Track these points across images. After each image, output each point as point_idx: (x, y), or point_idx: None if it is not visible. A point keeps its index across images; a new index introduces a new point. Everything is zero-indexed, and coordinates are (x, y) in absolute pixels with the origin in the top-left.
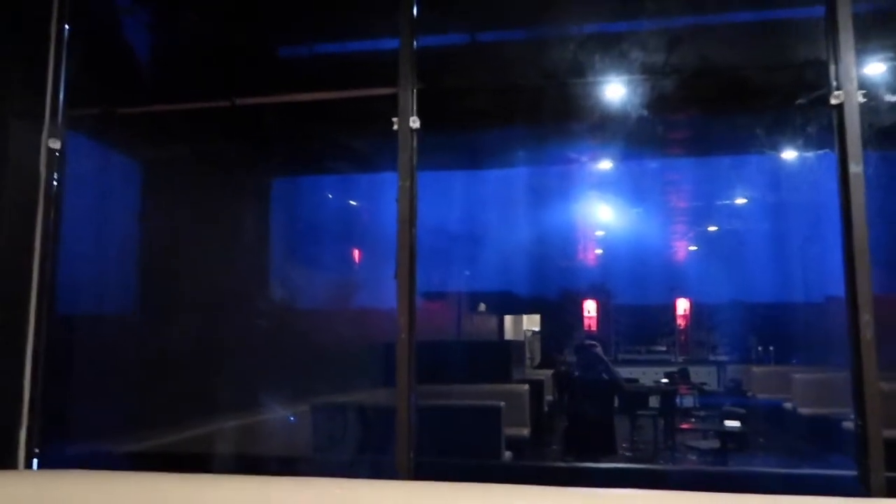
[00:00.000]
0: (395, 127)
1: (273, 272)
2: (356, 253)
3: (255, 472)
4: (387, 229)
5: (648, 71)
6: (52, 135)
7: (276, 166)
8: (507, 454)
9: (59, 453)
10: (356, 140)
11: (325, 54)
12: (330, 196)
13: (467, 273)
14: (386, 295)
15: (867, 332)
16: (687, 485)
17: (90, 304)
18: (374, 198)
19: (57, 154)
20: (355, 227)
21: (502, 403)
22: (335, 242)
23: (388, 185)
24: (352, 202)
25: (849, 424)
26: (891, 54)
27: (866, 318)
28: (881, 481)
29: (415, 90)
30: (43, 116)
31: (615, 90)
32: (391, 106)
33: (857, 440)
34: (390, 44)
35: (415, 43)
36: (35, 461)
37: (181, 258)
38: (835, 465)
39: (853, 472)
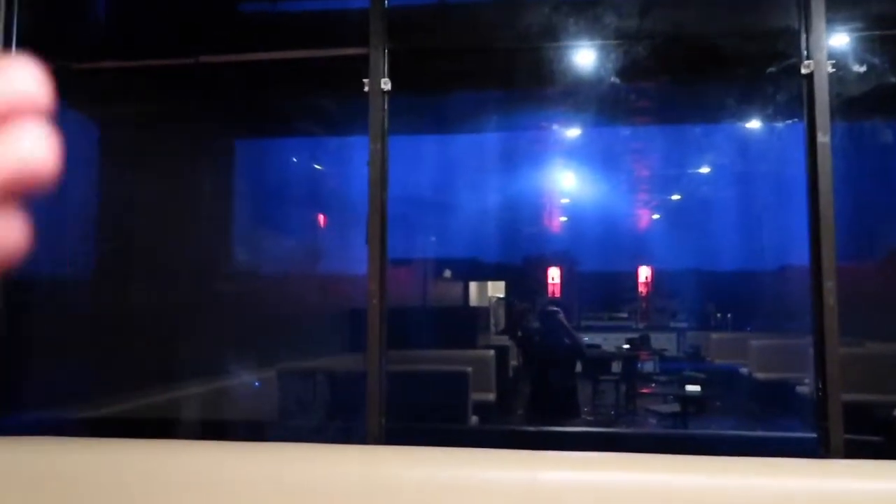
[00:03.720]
0: (366, 88)
1: (236, 236)
2: (321, 218)
3: (221, 438)
4: (353, 194)
5: (621, 36)
6: None
7: (241, 127)
8: (474, 419)
9: (16, 420)
10: (324, 101)
11: (293, 11)
12: (295, 160)
13: (433, 239)
14: (351, 261)
15: (830, 299)
16: (649, 447)
17: (46, 266)
18: (341, 161)
19: None
20: (320, 192)
21: (469, 368)
22: (300, 207)
23: (355, 148)
24: (317, 166)
25: (802, 388)
26: (860, 25)
27: (829, 284)
28: (839, 443)
29: (386, 50)
30: None
31: (587, 55)
32: (361, 66)
33: (817, 403)
34: (360, 1)
35: (386, 1)
36: None
37: (141, 221)
38: (789, 427)
39: (811, 435)
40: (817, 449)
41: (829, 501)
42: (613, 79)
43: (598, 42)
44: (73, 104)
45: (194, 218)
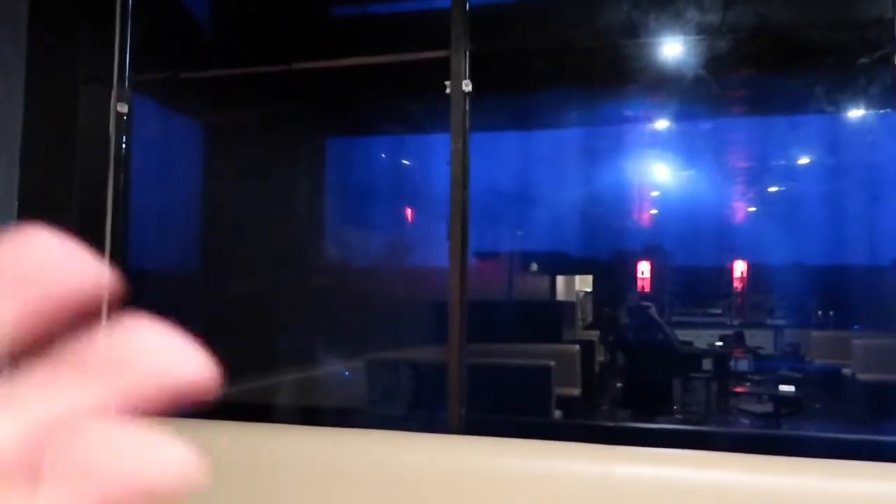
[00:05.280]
0: (448, 90)
1: (328, 230)
2: (409, 212)
3: (311, 423)
4: (440, 189)
5: (704, 31)
6: (119, 99)
7: (331, 126)
8: (557, 413)
9: None
10: (408, 101)
11: (377, 14)
12: (383, 156)
13: (520, 233)
14: (438, 254)
15: None
16: (738, 447)
17: (156, 260)
18: (426, 158)
19: (124, 118)
20: (408, 187)
21: (552, 363)
22: (387, 201)
23: (438, 144)
24: (405, 161)
25: None
26: None
27: None
28: None
29: (467, 53)
30: (111, 81)
31: (670, 50)
32: (443, 67)
33: None
34: (441, 2)
35: (467, 4)
36: None
37: (242, 217)
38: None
39: None
40: None
41: None
42: (699, 72)
43: (680, 37)
44: (179, 109)
45: (289, 214)
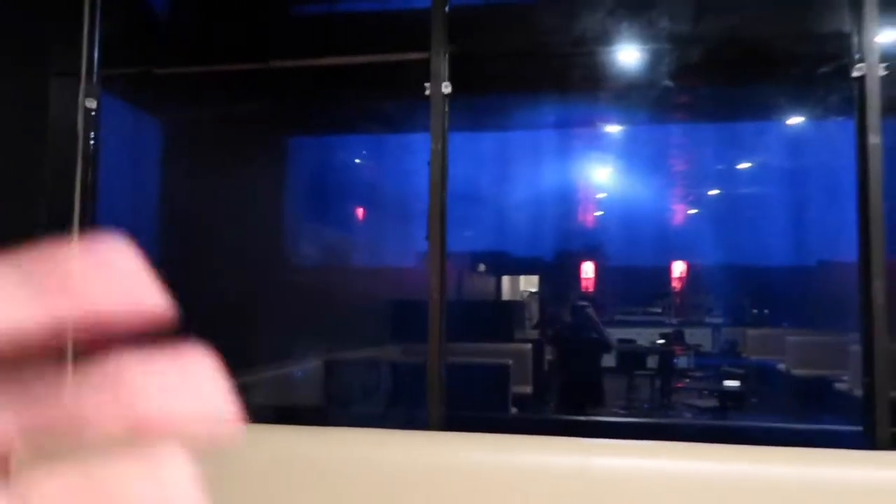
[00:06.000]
0: (428, 92)
1: (289, 230)
2: (360, 211)
3: (279, 423)
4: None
5: (675, 40)
6: (88, 94)
7: (296, 126)
8: (513, 410)
9: None
10: (379, 101)
11: (356, 12)
12: (350, 157)
13: (468, 234)
14: (394, 254)
15: (879, 297)
16: (689, 438)
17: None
18: (393, 157)
19: (93, 113)
20: (369, 187)
21: (510, 361)
22: (350, 201)
23: (409, 144)
24: (357, 160)
25: (841, 385)
26: None
27: (878, 283)
28: (886, 435)
29: (447, 55)
30: (79, 76)
31: (631, 57)
32: (422, 68)
33: (865, 398)
34: (422, 2)
35: (447, 7)
36: None
37: (204, 216)
38: (827, 423)
39: (853, 428)
40: (861, 441)
41: (880, 490)
42: (662, 79)
43: (652, 46)
44: (145, 106)
45: (253, 213)
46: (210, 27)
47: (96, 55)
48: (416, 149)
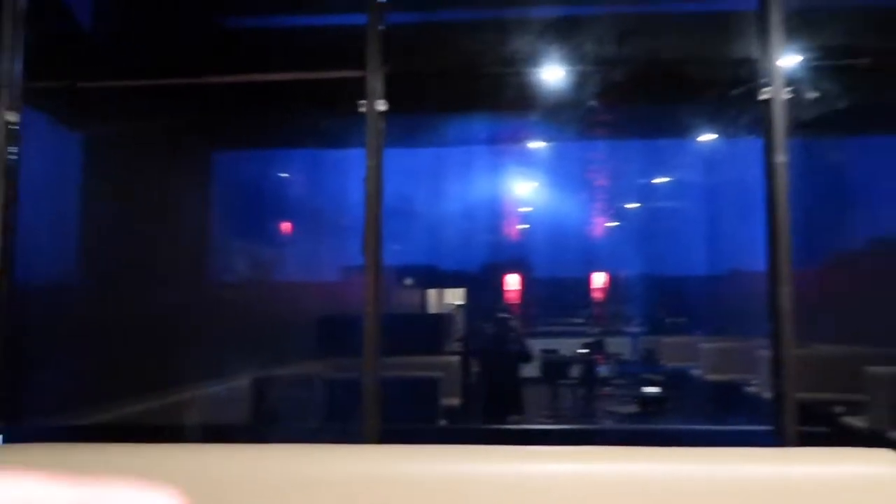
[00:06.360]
0: (363, 109)
1: (217, 245)
2: (288, 226)
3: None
4: (328, 203)
5: (601, 62)
6: (9, 107)
7: (222, 140)
8: (442, 422)
9: (19, 427)
10: (317, 117)
11: (289, 27)
12: (276, 171)
13: (397, 248)
14: (325, 269)
15: (786, 303)
16: (615, 443)
17: (41, 276)
18: (323, 173)
19: (14, 127)
20: (296, 202)
21: (440, 374)
22: (277, 216)
23: (334, 160)
24: (282, 174)
25: (750, 388)
26: (814, 55)
27: (785, 290)
28: (794, 433)
29: (382, 73)
30: (0, 89)
31: (555, 76)
32: (356, 85)
33: (775, 399)
34: (354, 19)
35: (382, 25)
36: None
37: (128, 233)
38: (741, 423)
39: (765, 427)
40: (772, 440)
41: (789, 484)
42: (587, 99)
43: (578, 68)
44: (67, 121)
45: (177, 229)
46: (137, 40)
47: (19, 68)
48: (350, 164)
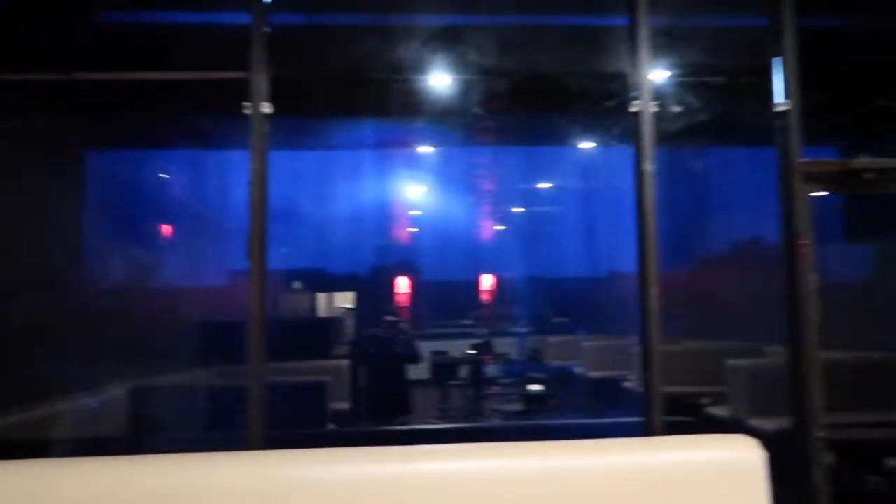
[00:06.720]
0: (247, 111)
1: (90, 249)
2: (170, 229)
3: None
4: (211, 206)
5: (482, 72)
6: None
7: (105, 140)
8: (331, 426)
9: None
10: (200, 118)
11: (172, 24)
12: (156, 173)
13: (284, 251)
14: (207, 273)
15: (653, 303)
16: (501, 439)
17: None
18: (201, 174)
19: None
20: (177, 204)
21: (328, 378)
22: (156, 219)
23: (218, 161)
24: (163, 175)
25: (628, 384)
26: (679, 72)
27: (653, 291)
28: (660, 423)
29: (268, 76)
30: None
31: (442, 83)
32: (241, 86)
33: (644, 392)
34: (239, 18)
35: (267, 26)
36: None
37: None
38: (617, 416)
39: (638, 419)
40: (642, 430)
41: (654, 470)
42: (472, 106)
43: (463, 77)
44: None
45: (47, 232)
46: (7, 33)
47: None
48: (235, 166)
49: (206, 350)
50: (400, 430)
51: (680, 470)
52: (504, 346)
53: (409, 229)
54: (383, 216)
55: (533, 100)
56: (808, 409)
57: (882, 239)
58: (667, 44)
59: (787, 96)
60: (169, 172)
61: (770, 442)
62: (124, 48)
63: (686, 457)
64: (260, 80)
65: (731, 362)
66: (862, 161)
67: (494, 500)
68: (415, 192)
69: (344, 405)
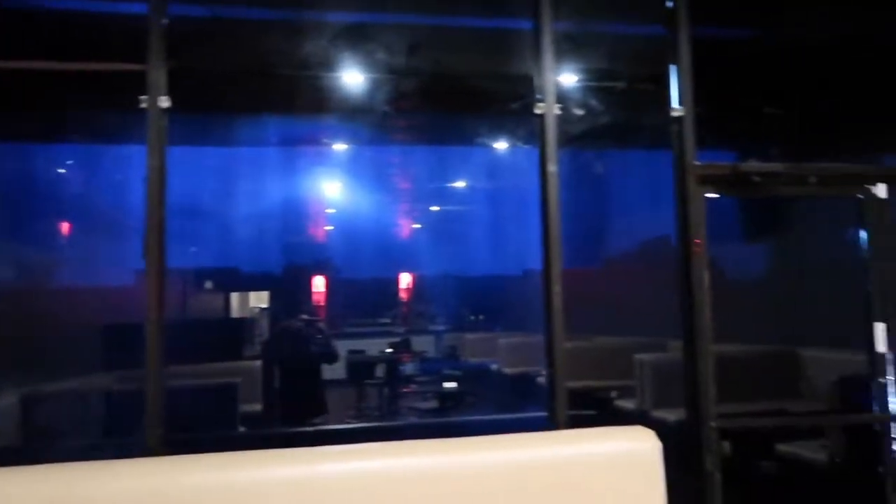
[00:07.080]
0: (144, 105)
1: None
2: (66, 227)
3: None
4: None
5: (392, 71)
6: None
7: None
8: (242, 429)
9: None
10: (94, 110)
11: (61, 10)
12: (49, 168)
13: (194, 249)
14: (107, 273)
15: (557, 301)
16: (415, 437)
17: None
18: (100, 169)
19: None
20: (72, 201)
21: (238, 380)
22: (49, 216)
23: (117, 156)
24: (60, 171)
25: (542, 379)
26: (582, 77)
27: (556, 289)
28: (564, 417)
29: (166, 69)
30: None
31: (355, 81)
32: (138, 79)
33: (548, 388)
34: (136, 8)
35: (164, 18)
36: None
37: None
38: (531, 411)
39: (544, 414)
40: (546, 424)
41: (554, 464)
42: (381, 105)
43: (371, 75)
44: None
45: None
46: None
47: None
48: (135, 161)
49: (108, 353)
50: (312, 431)
51: (580, 461)
52: (422, 344)
53: (324, 227)
54: (298, 214)
55: (442, 100)
56: (702, 400)
57: (774, 239)
58: (570, 49)
59: (681, 102)
60: (66, 168)
61: (671, 432)
62: (14, 35)
63: (585, 449)
64: (158, 73)
65: (638, 356)
66: (750, 165)
67: (400, 498)
68: (329, 189)
69: (256, 407)
